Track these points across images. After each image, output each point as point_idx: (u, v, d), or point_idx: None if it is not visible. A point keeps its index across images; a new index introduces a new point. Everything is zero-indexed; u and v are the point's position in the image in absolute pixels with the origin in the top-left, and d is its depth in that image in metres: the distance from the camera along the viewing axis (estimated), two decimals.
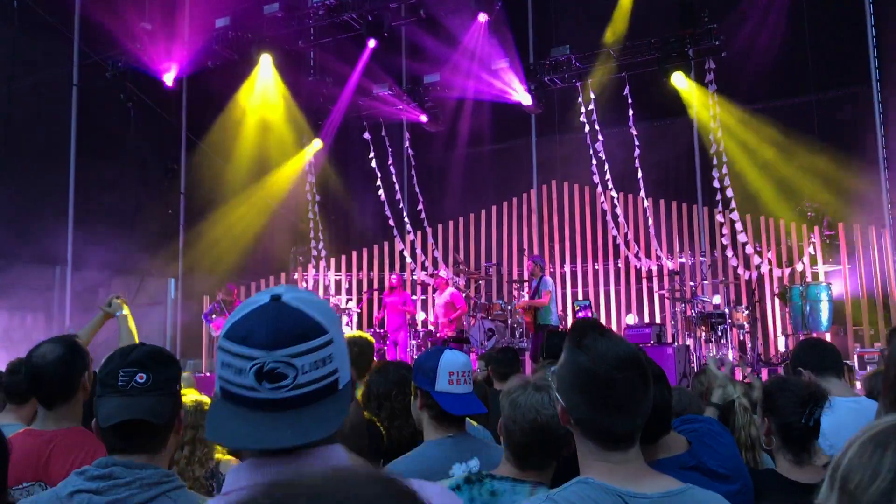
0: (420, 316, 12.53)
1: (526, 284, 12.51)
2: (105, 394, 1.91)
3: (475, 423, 3.17)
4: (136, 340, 3.71)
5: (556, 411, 2.16)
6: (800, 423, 2.57)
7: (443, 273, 12.02)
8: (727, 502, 1.69)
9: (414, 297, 13.54)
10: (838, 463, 1.07)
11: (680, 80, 12.47)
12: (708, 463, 2.20)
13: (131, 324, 3.84)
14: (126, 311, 3.85)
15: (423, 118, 14.32)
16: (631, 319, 12.56)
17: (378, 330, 11.57)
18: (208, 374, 12.71)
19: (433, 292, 13.55)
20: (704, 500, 1.65)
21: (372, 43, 13.01)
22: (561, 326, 10.62)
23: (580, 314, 10.01)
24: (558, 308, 11.09)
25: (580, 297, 13.64)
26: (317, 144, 15.10)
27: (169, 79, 13.35)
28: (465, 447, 2.60)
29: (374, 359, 4.28)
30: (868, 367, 8.65)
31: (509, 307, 11.30)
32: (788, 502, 2.42)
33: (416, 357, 2.98)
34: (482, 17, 11.45)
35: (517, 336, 10.97)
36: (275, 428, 1.13)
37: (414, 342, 11.24)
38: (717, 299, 11.62)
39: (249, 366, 1.14)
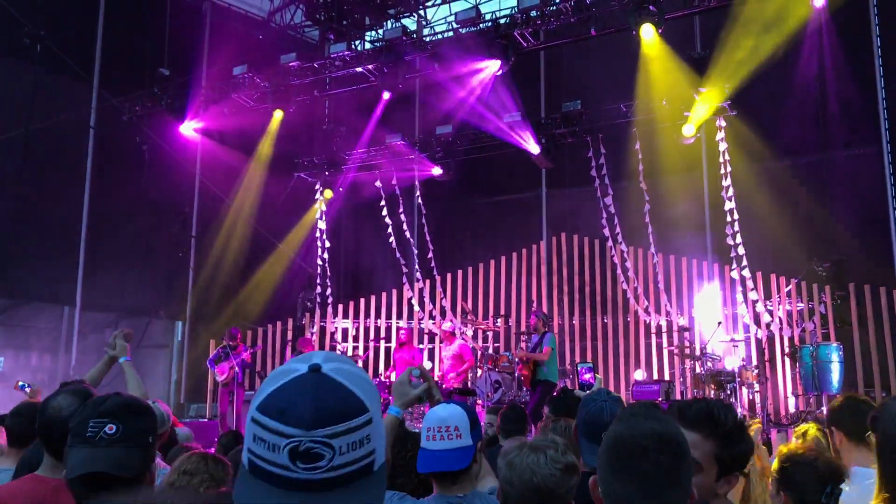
0: (426, 366, 12.43)
1: (523, 338, 12.45)
2: (75, 444, 1.89)
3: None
4: (144, 390, 3.69)
5: (554, 471, 2.13)
6: (820, 501, 2.51)
7: (447, 325, 11.96)
8: None
9: (421, 346, 13.48)
10: None
11: (691, 137, 12.53)
12: None
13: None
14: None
15: (436, 171, 14.45)
16: (640, 375, 12.45)
17: (386, 381, 11.48)
18: (210, 419, 12.64)
19: (440, 342, 13.48)
20: None
21: (386, 95, 13.19)
22: (562, 383, 10.48)
23: (585, 376, 9.89)
24: (562, 363, 10.98)
25: (588, 350, 13.55)
26: (328, 193, 15.21)
27: (186, 127, 13.54)
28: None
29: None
30: None
31: (516, 360, 11.20)
32: None
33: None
34: (496, 69, 11.58)
35: (524, 390, 10.85)
36: None
37: None
38: (735, 362, 11.40)
39: (284, 444, 1.07)
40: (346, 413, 1.09)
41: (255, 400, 1.13)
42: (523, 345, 11.41)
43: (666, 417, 1.64)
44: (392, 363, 11.98)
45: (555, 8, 11.02)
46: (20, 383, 7.01)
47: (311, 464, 1.06)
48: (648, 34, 10.43)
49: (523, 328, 13.45)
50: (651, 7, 10.28)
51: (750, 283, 12.08)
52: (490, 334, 13.55)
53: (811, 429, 4.04)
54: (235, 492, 1.14)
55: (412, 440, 2.95)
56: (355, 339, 14.82)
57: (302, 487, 1.07)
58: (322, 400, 1.09)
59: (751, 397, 10.56)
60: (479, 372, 11.16)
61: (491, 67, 11.70)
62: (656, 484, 1.51)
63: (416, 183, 14.94)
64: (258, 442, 1.09)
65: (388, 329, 14.49)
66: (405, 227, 14.87)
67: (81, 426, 1.89)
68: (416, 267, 14.83)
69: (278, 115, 13.31)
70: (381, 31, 14.56)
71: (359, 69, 12.42)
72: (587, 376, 9.90)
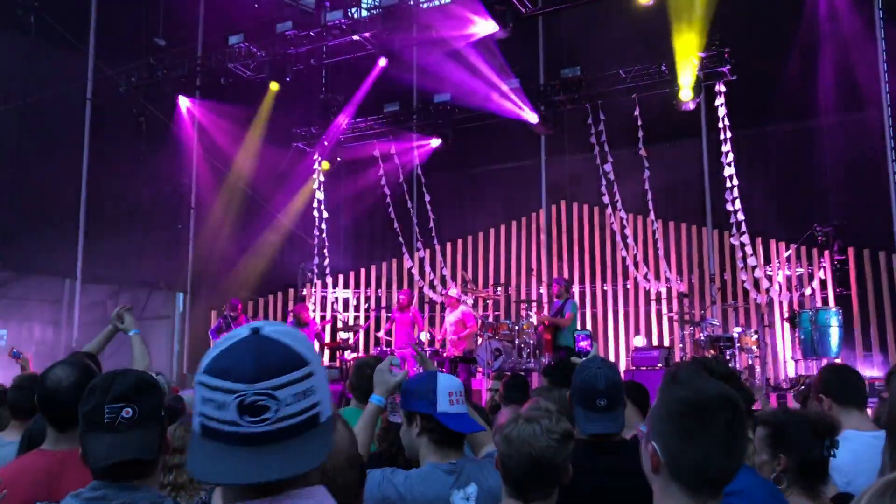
0: (424, 335, 12.47)
1: (535, 304, 12.50)
2: (92, 430, 1.89)
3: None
4: (148, 361, 3.70)
5: (550, 442, 2.14)
6: (821, 456, 2.48)
7: (453, 292, 11.98)
8: None
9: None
10: None
11: (690, 103, 12.46)
12: None
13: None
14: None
15: (434, 142, 14.40)
16: (639, 341, 12.51)
17: (385, 348, 11.53)
18: None
19: (443, 310, 13.52)
20: None
21: (383, 61, 13.10)
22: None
23: (581, 343, 9.94)
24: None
25: (588, 317, 13.60)
26: (325, 164, 15.16)
27: (183, 98, 13.46)
28: (465, 473, 2.57)
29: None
30: (880, 395, 8.57)
31: (517, 327, 11.25)
32: None
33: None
34: (494, 32, 11.44)
35: (524, 356, 10.91)
36: (257, 463, 1.11)
37: None
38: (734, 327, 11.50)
39: (231, 399, 1.11)
40: (287, 366, 1.15)
41: (201, 365, 1.18)
42: (535, 313, 11.51)
43: (717, 381, 1.70)
44: (391, 318, 11.98)
45: None
46: (14, 351, 7.10)
47: (258, 416, 1.11)
48: None
49: (523, 296, 13.49)
50: None
51: (749, 249, 12.08)
52: (490, 303, 13.60)
53: None
54: (189, 458, 1.18)
55: (395, 431, 2.96)
56: (356, 308, 14.87)
57: (252, 441, 1.12)
58: (263, 355, 1.14)
59: (750, 362, 10.62)
60: (479, 340, 11.21)
61: (488, 29, 11.55)
62: (729, 441, 1.55)
63: (415, 152, 14.89)
64: (207, 403, 1.14)
65: (389, 298, 14.53)
66: (406, 196, 14.85)
67: (96, 412, 1.88)
68: (417, 236, 14.82)
69: (274, 86, 13.20)
70: None
71: (356, 37, 12.31)
72: (583, 343, 9.94)
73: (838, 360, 10.13)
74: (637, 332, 13.19)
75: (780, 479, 2.50)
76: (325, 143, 14.88)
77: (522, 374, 7.95)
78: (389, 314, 12.42)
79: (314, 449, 1.16)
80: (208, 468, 1.13)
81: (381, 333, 12.48)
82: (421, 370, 3.41)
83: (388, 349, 11.51)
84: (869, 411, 6.50)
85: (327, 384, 1.22)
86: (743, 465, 1.64)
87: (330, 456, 1.23)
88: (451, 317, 11.62)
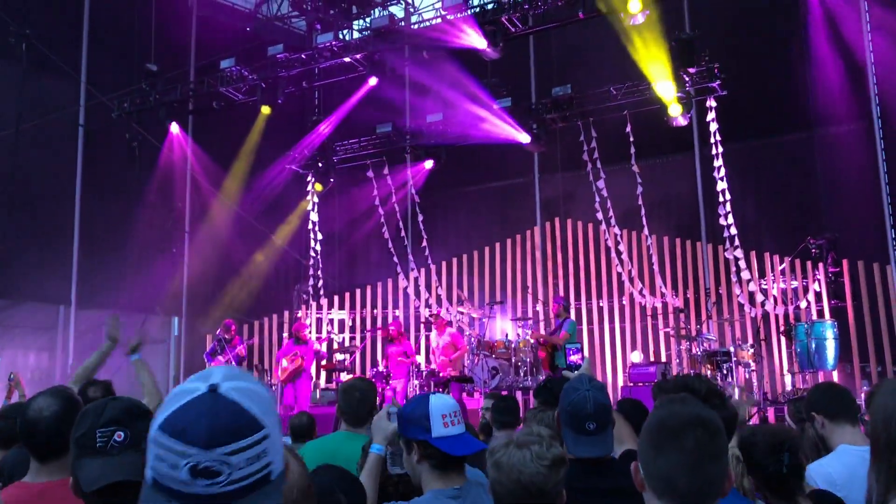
0: (420, 358, 12.44)
1: (531, 322, 12.47)
2: (84, 456, 1.87)
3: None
4: (161, 397, 3.66)
5: (540, 468, 2.12)
6: (776, 471, 2.47)
7: (444, 314, 11.97)
8: None
9: (417, 335, 13.48)
10: None
11: (681, 118, 12.50)
12: None
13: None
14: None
15: (427, 164, 14.45)
16: (636, 357, 12.48)
17: (381, 370, 11.48)
18: None
19: (435, 333, 13.47)
20: None
21: (373, 81, 13.12)
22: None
23: (573, 357, 9.92)
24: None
25: (585, 333, 13.56)
26: (318, 186, 15.18)
27: (174, 123, 13.48)
28: (469, 499, 2.54)
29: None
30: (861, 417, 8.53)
31: (513, 345, 11.22)
32: None
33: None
34: (484, 51, 11.49)
35: (521, 374, 10.87)
36: None
37: (416, 382, 11.17)
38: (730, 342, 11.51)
39: (184, 462, 1.11)
40: (241, 431, 1.14)
41: (156, 419, 1.18)
42: (531, 332, 11.50)
43: (700, 403, 1.75)
44: (385, 356, 11.97)
45: None
46: (10, 375, 7.00)
47: (210, 480, 1.11)
48: (636, 7, 10.35)
49: (520, 314, 13.47)
50: None
51: (743, 263, 12.08)
52: (486, 321, 13.56)
53: None
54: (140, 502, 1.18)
55: (393, 485, 2.92)
56: (351, 329, 14.84)
57: (202, 501, 1.12)
58: (218, 419, 1.13)
59: (747, 376, 10.59)
60: (476, 359, 11.17)
61: (478, 45, 11.60)
62: (697, 458, 1.59)
63: (409, 171, 14.91)
64: (159, 461, 1.14)
65: (385, 318, 14.50)
66: (398, 216, 14.86)
67: (88, 437, 1.87)
68: (410, 256, 14.82)
69: (266, 110, 13.24)
70: (368, 20, 14.49)
71: (347, 59, 12.37)
72: (574, 357, 9.90)
73: (835, 373, 10.12)
74: (634, 348, 13.16)
75: (754, 497, 2.50)
76: (321, 165, 14.91)
77: (511, 395, 7.89)
78: (383, 336, 12.37)
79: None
80: None
81: (381, 367, 12.36)
82: (420, 391, 3.37)
83: (385, 370, 11.46)
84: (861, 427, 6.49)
85: (281, 442, 1.22)
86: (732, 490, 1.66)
87: (284, 492, 1.23)
88: (441, 340, 11.60)
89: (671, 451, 1.60)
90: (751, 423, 3.91)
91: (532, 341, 10.97)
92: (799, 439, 2.53)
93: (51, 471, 2.46)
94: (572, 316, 11.27)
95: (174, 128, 13.57)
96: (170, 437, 1.13)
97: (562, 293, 13.75)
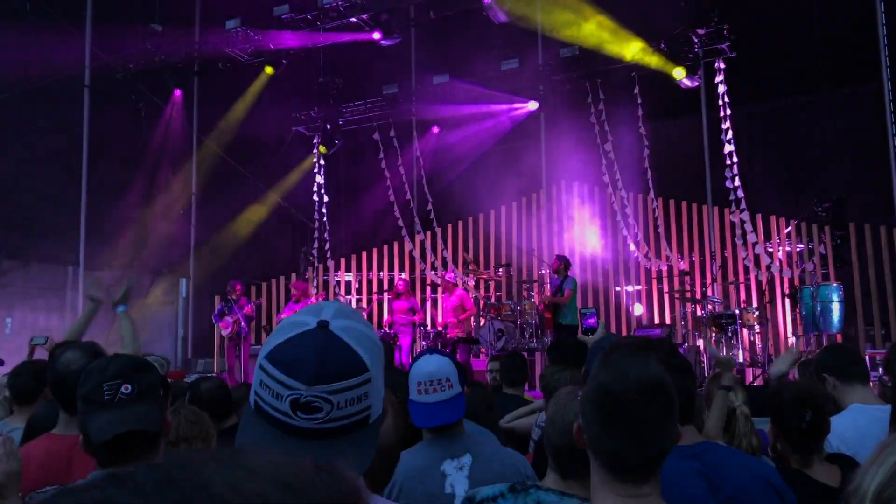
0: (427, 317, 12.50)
1: (537, 283, 12.52)
2: (91, 410, 1.90)
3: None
4: (139, 345, 3.68)
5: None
6: (796, 426, 2.51)
7: (451, 275, 12.00)
8: None
9: (423, 303, 13.53)
10: (863, 482, 1.05)
11: (689, 80, 12.43)
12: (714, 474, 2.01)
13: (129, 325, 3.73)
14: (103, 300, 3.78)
15: (434, 127, 14.39)
16: (638, 310, 12.54)
17: (388, 330, 11.55)
18: (218, 374, 12.75)
19: (441, 293, 13.54)
20: None
21: (379, 37, 12.99)
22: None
23: (588, 321, 9.98)
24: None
25: (589, 291, 13.58)
26: (323, 148, 15.13)
27: (180, 81, 13.43)
28: (459, 444, 2.60)
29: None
30: (880, 369, 8.60)
31: (519, 307, 11.27)
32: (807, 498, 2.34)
33: None
34: (492, 15, 11.41)
35: (527, 336, 10.93)
36: (302, 455, 1.14)
37: (424, 343, 11.25)
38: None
39: (287, 394, 1.14)
40: (347, 372, 1.16)
41: (265, 347, 1.20)
42: (535, 293, 11.55)
43: (648, 359, 1.56)
44: (390, 311, 12.01)
45: None
46: (33, 340, 6.75)
47: (310, 415, 1.14)
48: None
49: (525, 276, 13.51)
50: None
51: (749, 226, 12.08)
52: (492, 283, 13.61)
53: None
54: (240, 427, 1.22)
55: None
56: (358, 291, 14.90)
57: (300, 434, 1.15)
58: (326, 358, 1.15)
59: (752, 339, 10.65)
60: (482, 321, 11.24)
61: (487, 14, 11.51)
62: (648, 433, 1.47)
63: (414, 134, 14.86)
64: (264, 387, 1.17)
65: (391, 281, 14.55)
66: (403, 178, 14.84)
67: (95, 391, 1.89)
68: (416, 219, 14.82)
69: (269, 70, 13.16)
70: None
71: (353, 19, 12.27)
72: (591, 321, 9.98)
73: (839, 336, 10.17)
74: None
75: (774, 445, 2.55)
76: (328, 126, 14.85)
77: (518, 353, 7.95)
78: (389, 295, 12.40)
79: (361, 449, 1.19)
80: (255, 446, 1.15)
81: (386, 328, 12.40)
82: (424, 346, 3.40)
83: (391, 331, 11.52)
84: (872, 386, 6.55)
85: (383, 386, 1.24)
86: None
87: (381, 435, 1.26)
88: (449, 301, 11.65)
89: (617, 429, 1.47)
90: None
91: (538, 304, 10.99)
92: (826, 400, 2.56)
93: None
94: (576, 274, 11.29)
95: (179, 88, 13.52)
96: (276, 368, 1.16)
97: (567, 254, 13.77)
